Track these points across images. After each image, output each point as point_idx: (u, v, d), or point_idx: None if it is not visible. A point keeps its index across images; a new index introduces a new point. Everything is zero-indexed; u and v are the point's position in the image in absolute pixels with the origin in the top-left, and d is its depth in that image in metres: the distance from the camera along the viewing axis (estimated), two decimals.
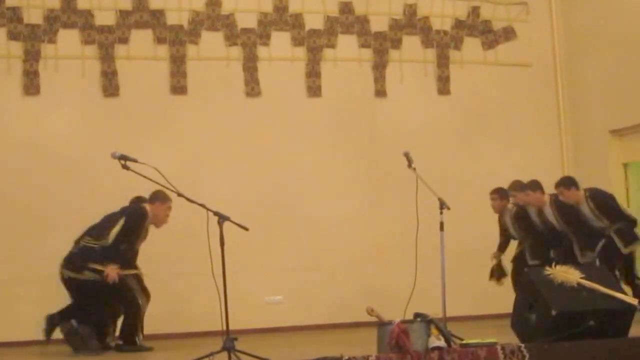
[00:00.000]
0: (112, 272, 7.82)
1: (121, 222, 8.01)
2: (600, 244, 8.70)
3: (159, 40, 10.23)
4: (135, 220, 8.12)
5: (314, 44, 10.69)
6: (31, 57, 9.80)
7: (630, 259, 8.80)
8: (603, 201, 8.82)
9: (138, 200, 8.36)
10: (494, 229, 9.71)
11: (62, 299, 9.42)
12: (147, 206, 8.24)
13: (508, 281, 9.54)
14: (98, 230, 8.02)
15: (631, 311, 6.32)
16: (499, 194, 9.51)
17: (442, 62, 11.10)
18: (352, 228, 10.41)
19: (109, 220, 8.07)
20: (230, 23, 10.46)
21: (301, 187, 10.38)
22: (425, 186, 7.23)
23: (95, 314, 8.03)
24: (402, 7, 11.02)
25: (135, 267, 8.25)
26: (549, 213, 9.14)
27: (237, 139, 10.28)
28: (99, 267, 7.88)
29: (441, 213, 7.35)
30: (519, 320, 6.49)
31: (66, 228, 9.57)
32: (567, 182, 8.96)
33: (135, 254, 8.29)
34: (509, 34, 11.37)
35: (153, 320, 8.33)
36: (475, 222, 10.06)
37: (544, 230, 9.25)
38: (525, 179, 9.15)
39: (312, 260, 10.25)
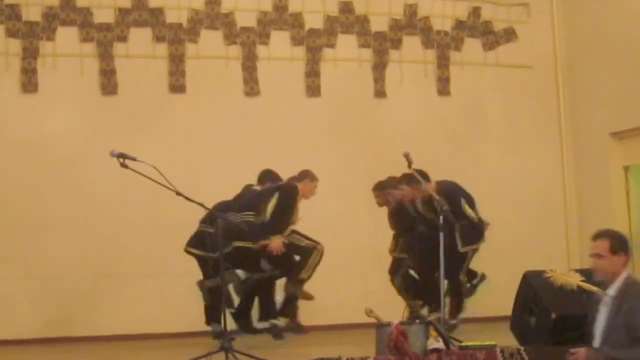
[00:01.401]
0: (276, 242, 7.65)
1: (275, 195, 7.81)
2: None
3: (158, 39, 10.19)
4: (289, 195, 7.95)
5: (314, 44, 10.65)
6: (29, 55, 9.76)
7: (462, 258, 8.62)
8: (447, 198, 8.51)
9: (270, 174, 8.10)
10: (494, 230, 9.63)
11: (60, 299, 9.42)
12: (297, 184, 8.07)
13: (505, 283, 9.43)
14: (254, 205, 7.84)
15: None
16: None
17: (443, 62, 11.06)
18: (351, 229, 10.37)
19: (262, 195, 7.87)
20: (229, 22, 10.42)
21: None
22: (424, 187, 7.21)
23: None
24: (403, 7, 10.99)
25: None
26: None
27: (236, 138, 10.24)
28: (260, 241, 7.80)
29: (440, 214, 7.32)
30: (518, 323, 6.46)
31: (64, 226, 9.60)
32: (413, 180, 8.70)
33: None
34: (509, 35, 11.34)
35: (151, 320, 8.30)
36: None
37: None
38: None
39: None
